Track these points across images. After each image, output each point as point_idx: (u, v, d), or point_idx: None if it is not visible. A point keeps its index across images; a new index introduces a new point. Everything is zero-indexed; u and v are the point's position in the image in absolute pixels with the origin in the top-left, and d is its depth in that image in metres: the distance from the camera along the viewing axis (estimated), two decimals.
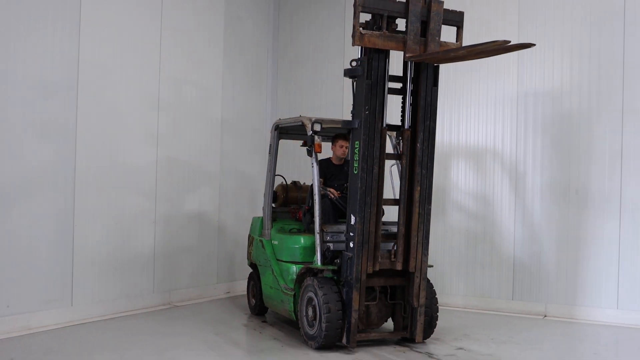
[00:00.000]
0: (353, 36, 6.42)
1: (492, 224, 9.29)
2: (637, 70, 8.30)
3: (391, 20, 6.73)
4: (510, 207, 9.16)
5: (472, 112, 9.50)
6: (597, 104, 8.57)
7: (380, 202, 6.77)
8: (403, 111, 6.98)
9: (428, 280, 7.07)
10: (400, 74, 7.03)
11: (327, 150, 8.12)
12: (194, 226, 9.84)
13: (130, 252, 8.72)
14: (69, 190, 7.84)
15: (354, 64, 6.78)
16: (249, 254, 8.83)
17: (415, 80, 6.93)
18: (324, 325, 6.61)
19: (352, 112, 6.90)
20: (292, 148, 9.49)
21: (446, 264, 9.50)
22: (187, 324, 8.05)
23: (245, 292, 9.20)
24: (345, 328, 6.67)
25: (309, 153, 7.27)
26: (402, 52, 6.68)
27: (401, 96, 7.00)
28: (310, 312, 6.91)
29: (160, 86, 9.15)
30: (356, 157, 6.69)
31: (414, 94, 6.92)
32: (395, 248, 6.88)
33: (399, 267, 6.88)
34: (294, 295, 7.29)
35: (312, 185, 7.33)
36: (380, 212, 6.86)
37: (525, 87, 9.07)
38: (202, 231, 10.00)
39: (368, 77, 6.65)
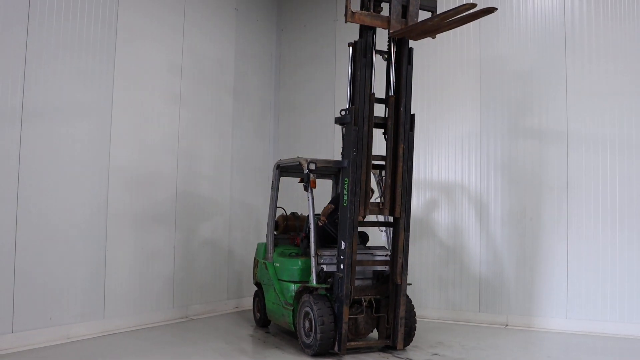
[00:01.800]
0: (345, 15, 6.65)
1: (461, 247, 9.34)
2: (579, 113, 8.49)
3: (377, 4, 6.97)
4: (476, 232, 9.23)
5: (443, 154, 9.60)
6: (546, 145, 8.71)
7: (368, 190, 6.89)
8: (388, 81, 7.10)
9: (407, 296, 7.09)
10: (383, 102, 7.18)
11: (323, 187, 8.16)
12: (207, 250, 9.84)
13: (153, 272, 8.74)
14: (102, 219, 7.91)
15: (343, 113, 6.90)
16: (254, 274, 8.81)
17: (397, 56, 7.06)
18: (318, 335, 6.63)
19: (341, 153, 7.02)
20: (291, 184, 9.54)
21: (423, 281, 9.51)
22: (201, 335, 8.05)
23: (252, 307, 9.14)
24: (337, 337, 6.69)
25: (306, 188, 7.31)
26: (385, 63, 7.10)
27: (384, 103, 7.16)
28: (307, 324, 6.92)
29: (180, 127, 9.27)
30: (345, 192, 6.77)
31: (397, 69, 7.06)
32: (382, 198, 7.04)
33: (386, 213, 6.99)
34: (293, 309, 7.29)
35: (308, 215, 7.37)
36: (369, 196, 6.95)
37: (487, 130, 9.21)
38: (214, 254, 9.99)
39: (355, 124, 6.77)
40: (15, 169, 6.86)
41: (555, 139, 8.63)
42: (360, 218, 6.81)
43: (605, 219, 8.21)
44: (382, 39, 7.23)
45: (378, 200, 7.86)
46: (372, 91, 6.91)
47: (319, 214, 7.70)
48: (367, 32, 6.91)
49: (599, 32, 8.43)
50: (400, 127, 6.99)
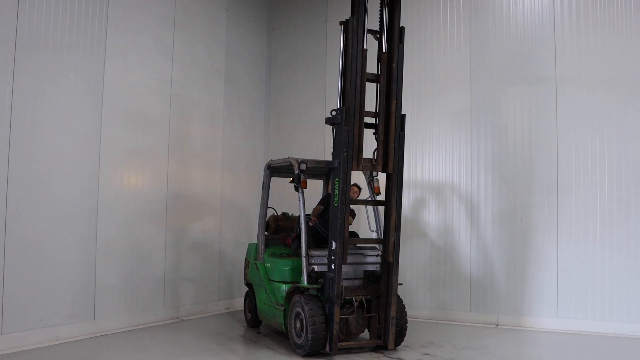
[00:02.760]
0: None
1: (452, 247, 9.37)
2: (567, 118, 8.55)
3: None
4: (466, 233, 9.27)
5: (434, 155, 9.64)
6: (536, 146, 8.77)
7: (361, 144, 6.91)
8: (380, 40, 7.14)
9: (398, 296, 7.11)
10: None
11: (314, 187, 8.17)
12: (198, 251, 9.83)
13: (144, 273, 8.72)
14: (92, 220, 7.89)
15: (333, 113, 6.91)
16: (245, 274, 8.82)
17: (389, 28, 7.13)
18: (309, 335, 6.64)
19: (332, 154, 7.03)
20: (281, 184, 9.53)
21: (413, 281, 9.54)
22: (192, 335, 8.04)
23: (243, 308, 9.14)
24: (328, 338, 6.70)
25: (296, 189, 7.33)
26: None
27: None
28: (298, 325, 6.93)
29: (170, 135, 9.25)
30: (336, 192, 6.78)
31: (389, 30, 7.12)
32: (376, 154, 7.06)
33: (379, 169, 7.03)
34: (284, 310, 7.29)
35: (299, 216, 7.37)
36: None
37: (477, 131, 9.25)
38: (205, 255, 9.99)
39: (346, 124, 6.78)
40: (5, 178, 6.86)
41: (546, 137, 8.69)
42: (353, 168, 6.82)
43: (595, 219, 8.26)
44: (373, 21, 7.23)
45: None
46: (365, 48, 6.93)
47: (309, 215, 7.71)
48: None
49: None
50: (393, 84, 7.03)
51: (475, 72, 9.32)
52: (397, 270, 7.02)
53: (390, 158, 7.03)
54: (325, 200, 7.78)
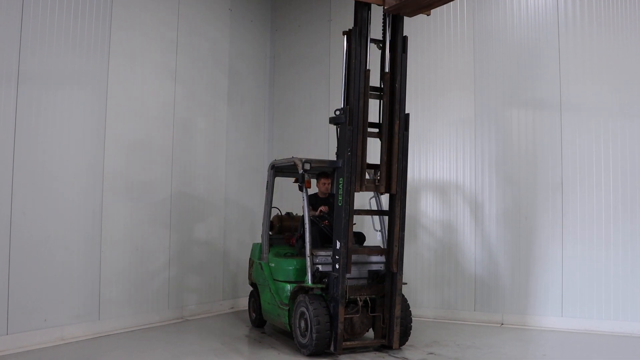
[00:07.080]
0: None
1: (456, 246, 9.35)
2: (571, 118, 8.52)
3: None
4: (471, 232, 9.24)
5: (438, 153, 9.61)
6: (540, 145, 8.74)
7: (364, 164, 6.87)
8: (383, 60, 7.12)
9: (402, 295, 7.09)
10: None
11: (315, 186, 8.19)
12: (202, 251, 9.82)
13: (149, 273, 8.72)
14: (97, 220, 7.90)
15: (337, 112, 6.89)
16: (249, 274, 8.81)
17: (392, 44, 7.09)
18: (314, 335, 6.63)
19: (336, 153, 7.01)
20: (286, 184, 9.53)
21: (418, 281, 9.52)
22: (197, 335, 8.04)
23: (247, 308, 9.13)
24: (332, 337, 6.69)
25: (300, 188, 7.31)
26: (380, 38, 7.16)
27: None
28: (302, 324, 6.92)
29: (174, 135, 9.25)
30: (340, 191, 6.76)
31: (392, 57, 7.07)
32: (379, 175, 7.04)
33: (382, 190, 7.01)
34: (289, 309, 7.28)
35: (303, 215, 7.36)
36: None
37: (481, 130, 9.23)
38: (210, 255, 9.98)
39: (349, 123, 6.76)
40: (10, 170, 6.85)
41: (550, 137, 8.66)
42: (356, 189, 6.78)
43: (600, 218, 8.23)
44: (376, 29, 7.25)
45: (372, 198, 7.91)
46: (368, 68, 6.91)
47: (314, 214, 7.69)
48: (362, 9, 6.96)
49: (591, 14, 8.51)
50: (396, 104, 7.00)
51: (479, 72, 9.28)
52: (402, 269, 7.00)
53: (394, 179, 6.99)
54: (310, 203, 7.76)
